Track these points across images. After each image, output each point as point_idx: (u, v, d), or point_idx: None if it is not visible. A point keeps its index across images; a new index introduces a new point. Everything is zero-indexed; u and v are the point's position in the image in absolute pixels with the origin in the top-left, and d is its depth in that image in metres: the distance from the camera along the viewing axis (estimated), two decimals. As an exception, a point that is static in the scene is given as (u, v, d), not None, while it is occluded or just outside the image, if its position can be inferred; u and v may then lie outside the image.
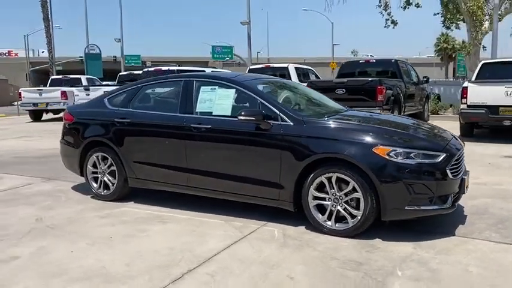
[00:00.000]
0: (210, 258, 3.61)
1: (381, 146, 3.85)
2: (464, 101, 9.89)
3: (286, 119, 4.28)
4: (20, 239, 4.18)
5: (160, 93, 5.52)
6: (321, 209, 4.13)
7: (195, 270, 3.40)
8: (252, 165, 4.40)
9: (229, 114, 4.61)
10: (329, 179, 4.01)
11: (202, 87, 4.86)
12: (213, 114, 4.69)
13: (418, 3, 20.54)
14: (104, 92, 12.63)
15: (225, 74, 5.48)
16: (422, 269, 3.35)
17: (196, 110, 4.78)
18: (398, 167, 3.78)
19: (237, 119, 4.44)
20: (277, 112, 4.33)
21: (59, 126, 7.45)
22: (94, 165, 5.49)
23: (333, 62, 47.46)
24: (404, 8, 20.91)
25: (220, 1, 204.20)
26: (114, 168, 5.29)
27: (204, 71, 14.20)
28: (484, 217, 4.50)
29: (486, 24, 16.27)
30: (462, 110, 10.03)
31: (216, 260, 3.57)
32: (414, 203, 3.80)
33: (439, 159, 3.85)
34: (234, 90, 4.69)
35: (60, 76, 23.36)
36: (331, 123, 4.25)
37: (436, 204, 3.85)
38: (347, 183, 3.95)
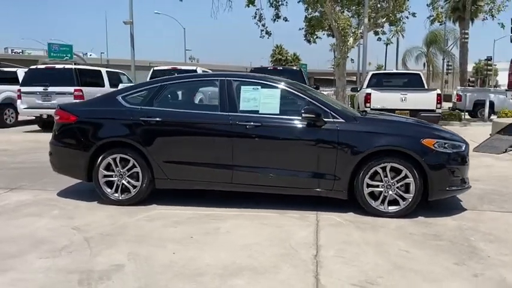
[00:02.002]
0: (319, 244, 3.90)
1: (427, 139, 4.64)
2: (368, 105, 11.53)
3: (337, 116, 4.76)
4: (89, 249, 3.79)
5: (189, 92, 5.40)
6: (372, 195, 4.71)
7: (321, 254, 3.67)
8: (307, 159, 4.75)
9: (277, 112, 4.87)
10: (383, 168, 4.63)
11: (243, 87, 4.99)
12: (260, 112, 4.87)
13: (285, 17, 22.53)
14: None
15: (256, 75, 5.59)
16: (481, 233, 4.22)
17: (240, 109, 4.90)
18: (442, 155, 4.61)
19: (284, 117, 4.78)
20: (328, 110, 4.78)
21: None
22: (107, 169, 5.08)
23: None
24: (274, 20, 22.68)
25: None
26: (137, 170, 5.00)
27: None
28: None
29: (351, 40, 18.90)
30: (366, 113, 11.68)
31: (328, 245, 3.87)
32: (452, 184, 4.68)
33: (463, 148, 4.81)
34: (279, 90, 4.96)
35: None
36: (380, 120, 4.89)
37: (464, 184, 4.79)
38: (399, 171, 4.62)
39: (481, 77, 37.32)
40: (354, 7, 19.98)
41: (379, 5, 18.84)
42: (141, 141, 4.94)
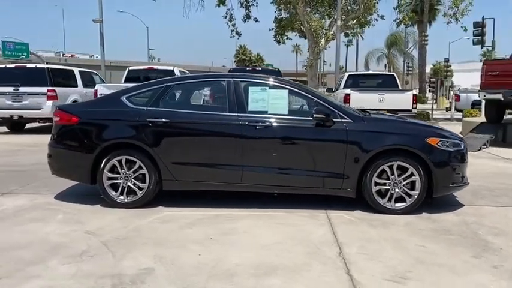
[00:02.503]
0: (339, 242, 3.99)
1: (432, 137, 4.83)
2: (347, 105, 11.75)
3: (345, 116, 4.87)
4: (110, 253, 3.71)
5: (196, 93, 5.36)
6: (379, 193, 4.85)
7: (344, 251, 3.75)
8: (316, 159, 4.84)
9: (285, 113, 4.93)
10: (390, 167, 4.78)
11: (250, 88, 5.01)
12: (268, 113, 4.92)
13: (256, 18, 22.66)
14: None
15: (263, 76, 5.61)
16: (486, 227, 4.43)
17: (249, 109, 4.92)
18: (446, 153, 4.81)
19: (293, 117, 4.87)
20: (335, 110, 4.88)
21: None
22: (111, 171, 4.97)
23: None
24: (245, 21, 22.75)
25: None
26: (143, 171, 4.92)
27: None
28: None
29: (322, 41, 19.24)
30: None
31: (348, 243, 3.96)
32: (454, 181, 4.89)
33: (463, 147, 5.03)
34: (287, 91, 5.02)
35: None
36: (385, 120, 5.04)
37: (463, 181, 5.02)
38: (405, 169, 4.78)
39: (440, 78, 38.73)
40: (324, 8, 20.32)
41: (349, 8, 19.27)
42: (148, 142, 4.87)
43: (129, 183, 4.96)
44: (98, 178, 4.97)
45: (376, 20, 19.64)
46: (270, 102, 4.95)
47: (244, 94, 4.98)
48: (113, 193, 4.98)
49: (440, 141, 4.83)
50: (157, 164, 4.91)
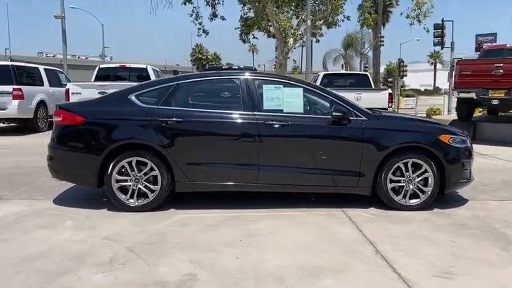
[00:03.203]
0: (370, 240, 3.98)
1: (443, 134, 4.93)
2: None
3: (360, 114, 4.89)
4: (142, 260, 3.52)
5: (208, 91, 5.18)
6: (393, 190, 4.91)
7: (380, 249, 3.75)
8: (333, 157, 4.82)
9: (301, 111, 4.89)
10: (405, 164, 4.85)
11: (264, 86, 4.93)
12: (284, 111, 4.85)
13: (223, 16, 22.52)
14: None
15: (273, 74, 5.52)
16: (499, 221, 4.57)
17: (264, 108, 4.84)
18: (456, 150, 4.94)
19: (309, 116, 4.87)
20: (350, 109, 4.89)
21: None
22: (120, 173, 4.74)
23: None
24: (211, 19, 22.55)
25: None
26: (155, 173, 4.72)
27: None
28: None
29: (291, 41, 19.36)
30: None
31: (379, 240, 3.96)
32: (464, 176, 5.03)
33: (468, 143, 5.18)
34: (302, 89, 4.97)
35: None
36: (398, 118, 5.10)
37: (470, 176, 5.16)
38: (418, 166, 4.86)
39: (396, 78, 40.06)
40: (289, 8, 20.46)
41: (317, 8, 19.50)
42: (161, 142, 4.68)
43: (140, 186, 4.74)
44: (106, 181, 4.72)
45: (343, 20, 20.05)
46: (285, 101, 4.88)
47: (258, 92, 4.89)
48: (122, 196, 4.74)
49: (451, 138, 4.95)
50: (170, 165, 4.72)
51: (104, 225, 4.36)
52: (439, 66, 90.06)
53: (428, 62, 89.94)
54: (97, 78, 12.99)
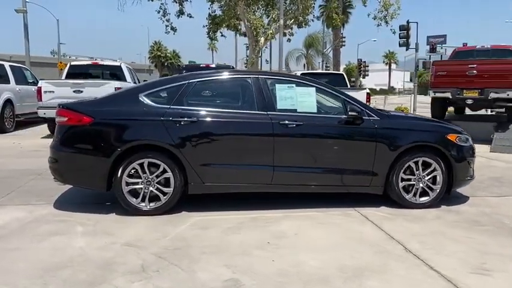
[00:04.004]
0: (396, 239, 4.02)
1: (451, 134, 5.06)
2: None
3: (372, 114, 4.93)
4: (176, 266, 3.38)
5: (221, 90, 5.05)
6: (404, 188, 4.98)
7: (409, 248, 3.79)
8: (347, 157, 4.84)
9: (314, 111, 4.86)
10: (416, 163, 4.93)
11: (277, 85, 4.87)
12: (298, 111, 4.81)
13: (190, 14, 22.21)
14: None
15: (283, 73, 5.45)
16: (506, 216, 4.74)
17: (278, 108, 4.78)
18: (463, 148, 5.07)
19: (323, 115, 4.87)
20: (363, 108, 4.92)
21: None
22: (130, 175, 4.55)
23: (61, 62, 44.05)
24: (178, 16, 22.19)
25: None
26: (168, 175, 4.56)
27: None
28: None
29: (262, 40, 19.34)
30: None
31: (404, 239, 4.00)
32: (469, 174, 5.18)
33: (471, 142, 5.34)
34: (314, 88, 4.95)
35: None
36: (407, 117, 5.18)
37: (473, 174, 5.32)
38: (428, 164, 4.96)
39: (356, 78, 41.01)
40: (262, 6, 20.46)
41: (288, 8, 19.59)
42: (174, 143, 4.52)
43: (152, 188, 4.57)
44: (116, 184, 4.51)
45: (312, 20, 20.24)
46: (298, 100, 4.85)
47: (271, 92, 4.83)
48: (133, 200, 4.55)
49: (458, 136, 5.08)
50: (183, 167, 4.57)
51: (119, 230, 4.16)
52: (393, 66, 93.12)
53: (384, 62, 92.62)
54: (68, 76, 12.43)
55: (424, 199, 5.00)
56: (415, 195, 4.98)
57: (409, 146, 4.87)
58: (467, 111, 13.50)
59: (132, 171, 4.53)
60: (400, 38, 20.65)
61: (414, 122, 5.23)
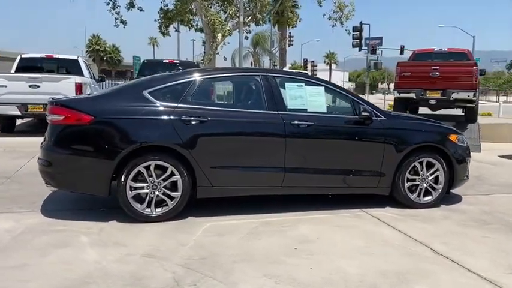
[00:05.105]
0: (418, 240, 3.99)
1: (451, 134, 5.14)
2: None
3: (379, 114, 4.90)
4: (211, 278, 3.13)
5: (229, 88, 4.77)
6: (409, 189, 5.00)
7: (436, 249, 3.77)
8: (357, 157, 4.77)
9: (324, 110, 4.75)
10: (421, 163, 4.96)
11: (286, 84, 4.71)
12: (308, 110, 4.68)
13: (140, 7, 21.45)
14: None
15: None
16: (506, 214, 4.89)
17: (288, 107, 4.62)
18: (463, 149, 5.18)
19: (333, 115, 4.78)
20: (371, 108, 4.88)
21: None
22: (135, 179, 4.20)
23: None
24: (128, 9, 21.34)
25: None
26: (176, 178, 4.25)
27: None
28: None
29: (219, 36, 19.00)
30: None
31: (426, 240, 3.98)
32: (466, 174, 5.29)
33: (467, 142, 5.47)
34: (323, 88, 4.82)
35: None
36: (411, 118, 5.20)
37: (469, 174, 5.45)
38: (431, 164, 5.01)
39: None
40: (216, 2, 20.13)
41: (246, 5, 19.41)
42: (184, 144, 4.22)
43: (158, 193, 4.24)
44: (119, 189, 4.14)
45: (269, 18, 20.16)
46: (308, 100, 4.71)
47: (280, 91, 4.65)
48: (138, 206, 4.20)
49: (457, 137, 5.18)
50: (192, 169, 4.29)
51: (129, 239, 3.81)
52: (333, 66, 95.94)
53: (324, 62, 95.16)
54: (18, 69, 11.49)
55: (427, 199, 5.05)
56: (419, 195, 5.01)
57: (416, 147, 4.89)
58: (423, 111, 14.03)
59: (138, 175, 4.18)
60: (353, 39, 21.16)
61: (418, 123, 5.27)
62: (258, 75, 4.69)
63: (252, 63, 51.30)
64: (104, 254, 3.48)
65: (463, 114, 11.91)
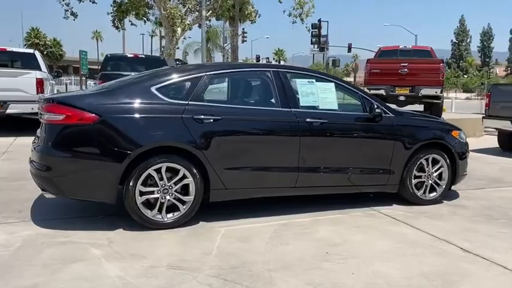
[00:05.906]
0: (441, 238, 3.95)
1: (454, 130, 5.18)
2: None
3: (388, 111, 4.84)
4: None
5: (239, 85, 4.49)
6: (416, 185, 4.98)
7: (463, 247, 3.74)
8: (369, 155, 4.68)
9: (336, 107, 4.62)
10: (427, 160, 4.96)
11: (297, 80, 4.52)
12: (320, 108, 4.53)
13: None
14: None
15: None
16: (505, 208, 4.98)
17: (301, 104, 4.44)
18: (464, 145, 5.23)
19: (345, 113, 4.67)
20: (380, 105, 4.80)
21: None
22: (144, 183, 3.87)
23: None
24: (80, 1, 20.32)
25: None
26: (188, 181, 3.95)
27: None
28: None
29: (179, 30, 18.43)
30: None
31: (447, 237, 3.95)
32: (466, 170, 5.36)
33: (466, 138, 5.54)
34: (333, 84, 4.68)
35: None
36: (416, 114, 5.17)
37: (467, 170, 5.53)
38: (436, 161, 5.02)
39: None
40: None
41: (206, -1, 18.97)
42: (197, 145, 3.93)
43: (169, 197, 3.93)
44: (128, 194, 3.79)
45: (231, 13, 19.83)
46: (320, 97, 4.55)
47: (292, 87, 4.47)
48: (147, 212, 3.87)
49: (459, 133, 5.23)
50: (205, 171, 4.01)
51: (147, 250, 3.49)
52: (282, 63, 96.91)
53: (274, 59, 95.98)
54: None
55: (432, 195, 5.05)
56: (424, 192, 5.00)
57: (424, 143, 4.87)
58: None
59: (148, 178, 3.84)
60: (312, 36, 21.31)
61: (425, 119, 5.26)
62: (269, 70, 4.46)
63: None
64: (125, 268, 3.15)
65: (426, 110, 12.24)
